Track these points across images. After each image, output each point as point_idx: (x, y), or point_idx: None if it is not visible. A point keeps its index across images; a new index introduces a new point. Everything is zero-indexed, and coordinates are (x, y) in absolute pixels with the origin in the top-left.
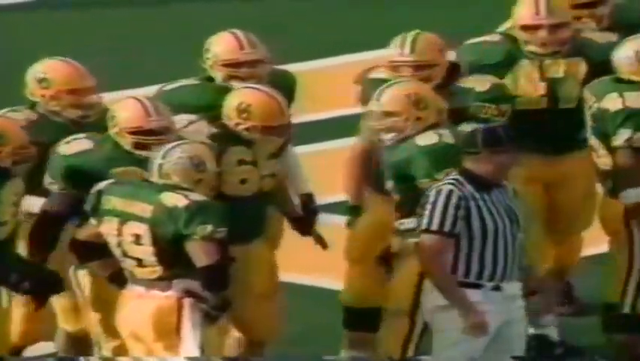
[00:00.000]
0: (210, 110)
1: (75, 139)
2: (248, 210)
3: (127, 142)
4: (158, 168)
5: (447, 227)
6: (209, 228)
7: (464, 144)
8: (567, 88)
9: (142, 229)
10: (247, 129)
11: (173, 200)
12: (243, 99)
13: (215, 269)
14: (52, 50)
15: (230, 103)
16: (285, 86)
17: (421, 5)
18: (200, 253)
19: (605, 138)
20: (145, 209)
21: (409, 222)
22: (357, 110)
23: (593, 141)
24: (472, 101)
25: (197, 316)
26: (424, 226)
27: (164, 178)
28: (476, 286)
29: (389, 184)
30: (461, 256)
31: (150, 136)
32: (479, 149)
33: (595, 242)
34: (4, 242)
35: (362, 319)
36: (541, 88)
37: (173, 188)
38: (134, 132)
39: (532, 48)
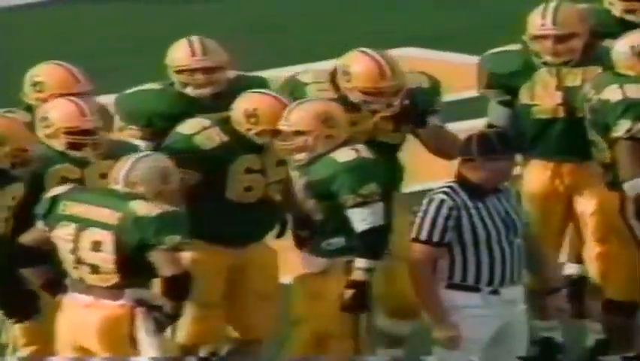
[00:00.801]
0: (165, 118)
1: None
2: (251, 214)
3: (60, 143)
4: (124, 176)
5: (435, 237)
6: (177, 238)
7: (459, 152)
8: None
9: (104, 236)
10: (258, 134)
11: (145, 208)
12: (250, 104)
13: (180, 279)
14: (52, 50)
15: (238, 109)
16: None
17: (421, 7)
18: (166, 263)
19: (605, 130)
20: (112, 216)
21: (336, 242)
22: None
23: (594, 135)
24: (429, 98)
25: (151, 324)
26: (413, 235)
27: (129, 187)
28: (474, 289)
29: (309, 204)
30: (457, 262)
31: (86, 136)
32: (474, 156)
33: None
34: None
35: None
36: (558, 97)
37: (141, 197)
38: (70, 132)
39: (544, 58)
